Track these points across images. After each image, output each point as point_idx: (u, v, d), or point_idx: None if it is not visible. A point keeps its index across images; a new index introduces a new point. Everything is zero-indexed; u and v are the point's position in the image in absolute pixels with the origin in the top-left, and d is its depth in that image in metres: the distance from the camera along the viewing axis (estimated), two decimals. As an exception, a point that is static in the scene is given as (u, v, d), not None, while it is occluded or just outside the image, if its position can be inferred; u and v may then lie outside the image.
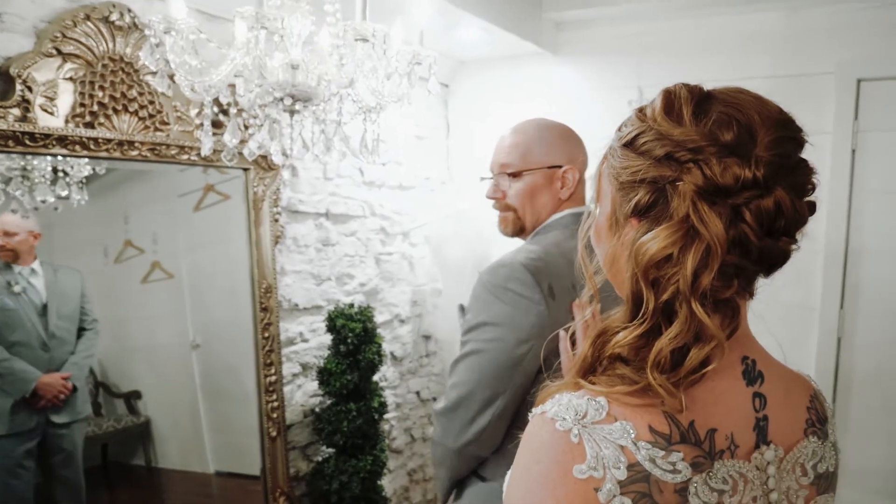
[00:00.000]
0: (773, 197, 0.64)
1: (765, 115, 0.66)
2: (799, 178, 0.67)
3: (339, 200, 2.67)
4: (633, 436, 0.62)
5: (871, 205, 2.42)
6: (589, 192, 0.87)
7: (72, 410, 1.94)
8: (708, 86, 0.70)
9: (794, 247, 0.68)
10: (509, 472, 0.69)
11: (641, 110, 0.72)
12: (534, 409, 0.68)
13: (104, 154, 1.81)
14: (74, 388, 1.93)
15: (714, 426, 0.65)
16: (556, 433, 0.63)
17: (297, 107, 1.52)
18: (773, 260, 0.68)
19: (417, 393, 3.20)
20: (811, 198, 0.69)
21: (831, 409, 0.79)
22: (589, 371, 0.69)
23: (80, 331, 1.98)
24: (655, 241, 0.65)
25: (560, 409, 0.65)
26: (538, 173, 1.50)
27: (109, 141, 1.81)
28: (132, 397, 2.16)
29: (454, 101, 3.26)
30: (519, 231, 1.55)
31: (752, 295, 0.71)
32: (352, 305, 2.50)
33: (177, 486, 2.31)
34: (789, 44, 2.49)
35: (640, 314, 0.66)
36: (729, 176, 0.63)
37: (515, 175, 1.51)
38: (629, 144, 0.70)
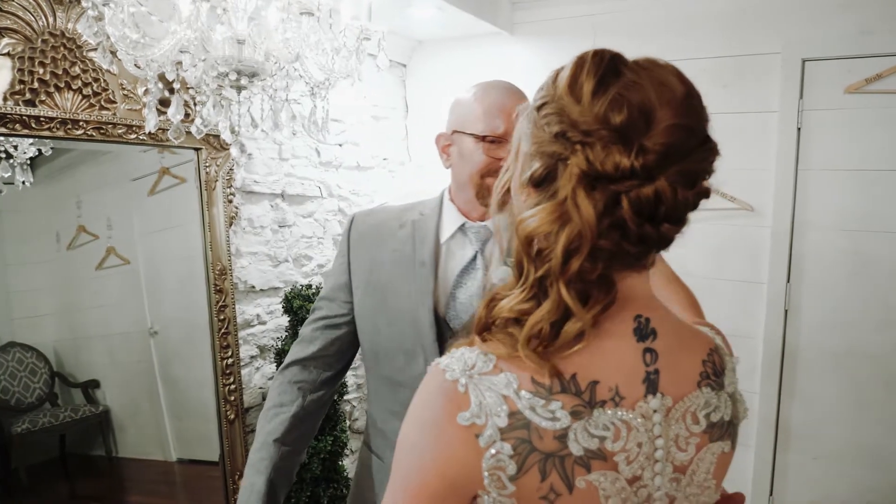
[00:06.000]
0: (654, 187, 0.64)
1: (666, 98, 0.65)
2: (691, 164, 0.66)
3: (295, 181, 2.64)
4: (515, 386, 0.67)
5: (815, 181, 2.49)
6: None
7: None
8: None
9: (679, 231, 0.69)
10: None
11: (557, 74, 0.70)
12: (433, 363, 0.73)
13: (47, 133, 1.76)
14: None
15: (596, 378, 0.68)
16: (445, 383, 0.68)
17: (244, 82, 1.50)
18: (653, 244, 0.69)
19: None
20: (708, 182, 0.69)
21: (732, 363, 0.81)
22: (484, 329, 0.72)
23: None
24: (534, 218, 0.66)
25: (452, 361, 0.70)
26: None
27: (52, 119, 1.76)
28: (90, 386, 2.12)
29: (412, 82, 3.25)
30: None
31: (652, 264, 0.73)
32: (309, 286, 2.49)
33: (138, 475, 2.27)
34: (737, 24, 2.54)
35: (521, 283, 0.69)
36: (609, 164, 0.63)
37: None
38: (538, 111, 0.70)
